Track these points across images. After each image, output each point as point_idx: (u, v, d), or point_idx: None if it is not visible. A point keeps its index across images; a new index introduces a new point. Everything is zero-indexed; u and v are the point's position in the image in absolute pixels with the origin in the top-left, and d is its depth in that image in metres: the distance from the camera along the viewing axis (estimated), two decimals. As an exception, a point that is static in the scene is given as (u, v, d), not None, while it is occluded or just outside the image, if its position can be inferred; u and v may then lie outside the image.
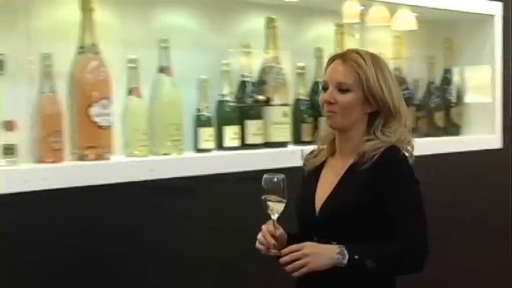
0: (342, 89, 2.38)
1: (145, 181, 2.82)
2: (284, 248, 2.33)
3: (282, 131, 3.37)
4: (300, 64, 3.57)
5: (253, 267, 2.99)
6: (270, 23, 3.37)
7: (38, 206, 2.58)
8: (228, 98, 3.27)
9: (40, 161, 2.69)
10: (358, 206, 2.34)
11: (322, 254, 2.26)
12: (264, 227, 2.40)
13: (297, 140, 3.50)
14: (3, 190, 2.46)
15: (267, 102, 3.33)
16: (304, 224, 2.47)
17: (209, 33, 3.31)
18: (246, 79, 3.35)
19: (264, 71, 3.36)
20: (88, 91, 2.74)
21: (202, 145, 3.15)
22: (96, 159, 2.76)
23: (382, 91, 2.38)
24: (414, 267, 2.33)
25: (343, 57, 2.42)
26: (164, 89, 3.00)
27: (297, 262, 2.25)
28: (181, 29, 3.20)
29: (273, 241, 2.37)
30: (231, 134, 3.23)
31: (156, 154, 2.98)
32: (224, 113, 3.24)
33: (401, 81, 4.04)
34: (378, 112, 2.41)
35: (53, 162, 2.68)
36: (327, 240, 2.33)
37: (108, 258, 2.80)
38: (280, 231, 2.40)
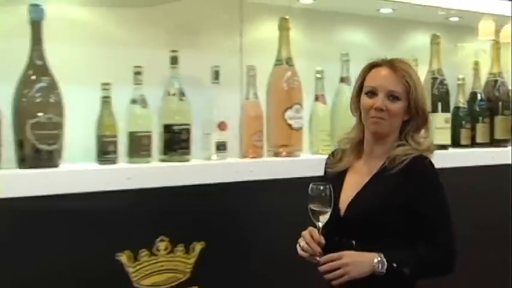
0: (393, 97, 2.39)
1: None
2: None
3: (443, 135, 3.70)
4: (460, 76, 3.94)
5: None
6: (435, 39, 3.76)
7: (245, 196, 2.95)
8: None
9: (244, 156, 3.14)
10: (384, 209, 2.34)
11: (361, 262, 2.27)
12: (306, 234, 2.39)
13: (456, 144, 3.83)
14: (218, 180, 2.88)
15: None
16: (327, 223, 2.40)
17: (381, 49, 3.73)
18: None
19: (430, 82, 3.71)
20: (283, 97, 3.19)
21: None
22: (288, 156, 3.19)
23: (423, 101, 2.43)
24: (447, 271, 2.37)
25: (391, 65, 2.43)
26: (344, 96, 3.40)
27: (337, 271, 2.27)
28: (358, 44, 3.67)
29: (318, 249, 2.36)
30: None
31: (336, 154, 3.40)
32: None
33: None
34: (409, 119, 2.44)
35: (254, 157, 3.12)
36: (348, 240, 2.36)
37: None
38: (322, 238, 2.38)
